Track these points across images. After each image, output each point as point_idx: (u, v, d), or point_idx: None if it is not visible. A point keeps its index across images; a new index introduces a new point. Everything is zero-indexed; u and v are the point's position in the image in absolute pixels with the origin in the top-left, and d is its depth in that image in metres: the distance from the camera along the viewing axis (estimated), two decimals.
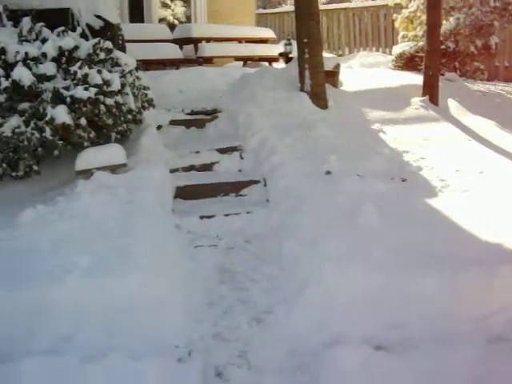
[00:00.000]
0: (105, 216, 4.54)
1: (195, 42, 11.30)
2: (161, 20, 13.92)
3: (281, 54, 11.73)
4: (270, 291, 4.20)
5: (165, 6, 14.87)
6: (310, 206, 5.05)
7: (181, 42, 11.30)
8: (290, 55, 10.80)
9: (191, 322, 3.71)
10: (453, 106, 8.89)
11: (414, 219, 4.76)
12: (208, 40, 11.52)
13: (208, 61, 11.31)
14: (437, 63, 8.99)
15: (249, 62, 12.50)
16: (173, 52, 10.76)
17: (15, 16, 5.72)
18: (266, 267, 4.62)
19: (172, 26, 13.04)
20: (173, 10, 15.92)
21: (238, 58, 12.56)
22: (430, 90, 8.89)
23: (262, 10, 19.86)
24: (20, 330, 3.35)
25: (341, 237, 4.32)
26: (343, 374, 3.13)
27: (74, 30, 6.04)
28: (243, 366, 3.33)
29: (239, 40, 12.49)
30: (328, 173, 5.89)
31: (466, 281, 3.73)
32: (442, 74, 10.44)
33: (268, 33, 13.62)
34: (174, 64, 10.80)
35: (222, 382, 3.21)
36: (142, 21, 12.48)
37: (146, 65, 7.95)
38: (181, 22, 14.62)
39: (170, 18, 15.63)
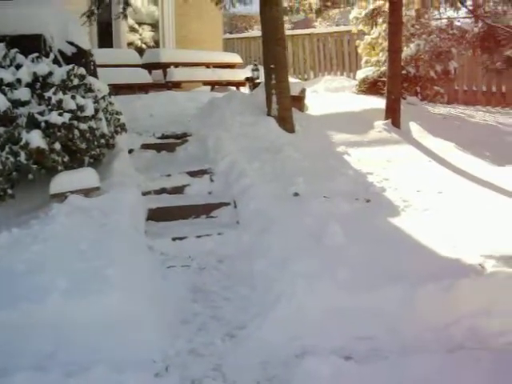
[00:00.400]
0: (79, 238, 4.66)
1: (164, 66, 11.49)
2: (129, 44, 14.04)
3: (247, 79, 12.00)
4: (243, 308, 4.37)
5: (132, 30, 14.97)
6: (280, 227, 5.25)
7: (150, 66, 11.49)
8: (257, 80, 11.06)
9: (167, 338, 3.85)
10: (414, 128, 9.25)
11: (378, 238, 4.99)
12: (176, 65, 11.73)
13: (177, 85, 11.51)
14: (398, 88, 9.37)
15: (216, 86, 12.74)
16: (142, 77, 10.95)
17: None
18: (238, 286, 4.78)
19: (140, 51, 13.21)
20: (140, 35, 16.03)
21: (205, 83, 12.80)
22: (393, 114, 9.24)
23: (228, 35, 20.21)
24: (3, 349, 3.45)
25: (309, 256, 4.52)
26: (314, 383, 3.30)
27: (47, 55, 6.17)
28: (218, 378, 3.47)
29: (207, 65, 12.73)
30: (296, 194, 6.12)
31: (427, 294, 3.97)
32: (404, 98, 10.86)
33: (235, 58, 13.91)
34: (144, 89, 10.98)
35: None
36: (110, 45, 12.61)
37: (116, 89, 8.12)
38: (149, 47, 14.72)
39: (138, 43, 15.72)
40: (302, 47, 17.51)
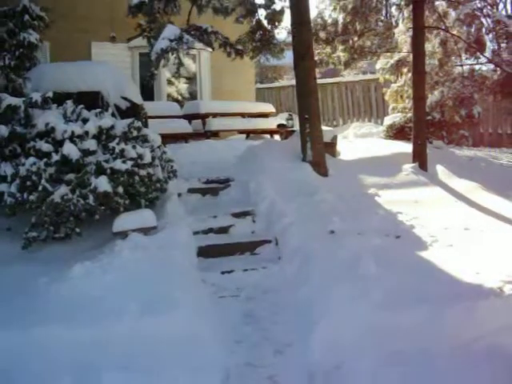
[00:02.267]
0: (143, 270, 5.32)
1: (203, 117, 12.34)
2: (167, 96, 14.98)
3: (279, 126, 12.76)
4: (289, 330, 4.95)
5: (169, 83, 15.90)
6: (318, 260, 5.84)
7: (190, 117, 12.34)
8: (291, 128, 11.79)
9: (225, 353, 4.45)
10: (440, 171, 9.79)
11: (407, 267, 5.53)
12: (214, 115, 12.56)
13: (215, 134, 12.32)
14: (424, 133, 9.97)
15: (251, 134, 13.51)
16: (183, 127, 11.78)
17: (57, 98, 6.60)
18: (283, 312, 5.36)
19: (177, 101, 14.19)
20: (176, 87, 16.99)
21: (241, 132, 13.59)
22: (419, 158, 9.82)
23: (259, 85, 21.15)
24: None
25: (346, 283, 5.10)
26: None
27: (105, 109, 6.97)
28: None
29: (242, 115, 13.53)
30: (332, 232, 6.69)
31: (452, 314, 4.51)
32: (431, 142, 11.46)
33: (268, 107, 14.71)
34: (184, 138, 11.77)
35: None
36: (152, 98, 13.58)
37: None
38: (184, 98, 15.64)
39: (175, 94, 16.65)
40: (331, 95, 18.31)
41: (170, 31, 7.41)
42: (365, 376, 3.97)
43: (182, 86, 16.85)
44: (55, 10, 8.18)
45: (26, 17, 7.35)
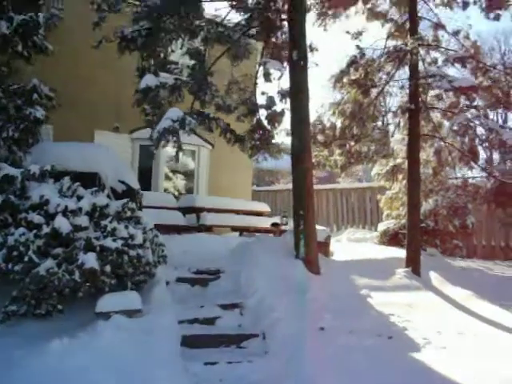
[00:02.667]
0: (123, 352, 5.12)
1: (198, 211, 12.33)
2: (164, 190, 15.07)
3: (273, 225, 12.75)
4: None
5: (167, 178, 16.05)
6: (307, 355, 5.63)
7: (184, 210, 12.33)
8: (284, 227, 11.78)
9: None
10: (434, 277, 9.69)
11: (399, 366, 5.35)
12: (209, 210, 12.56)
13: (208, 229, 12.25)
14: (418, 239, 9.98)
15: (245, 232, 13.45)
16: (177, 218, 11.74)
17: (55, 175, 6.61)
18: None
19: (173, 196, 14.29)
20: (174, 183, 17.14)
21: (234, 228, 13.53)
22: (413, 263, 9.77)
23: (256, 188, 21.39)
24: None
25: (335, 378, 4.86)
26: None
27: (102, 190, 6.95)
28: None
29: (237, 212, 13.55)
30: (322, 329, 6.50)
31: None
32: (424, 250, 11.44)
33: (263, 206, 14.77)
34: (177, 230, 11.68)
35: None
36: (149, 188, 13.65)
37: None
38: (180, 194, 15.72)
39: (171, 190, 16.78)
40: (326, 201, 18.46)
41: (174, 113, 7.56)
42: None
43: (180, 182, 17.02)
44: (61, 95, 8.37)
45: (35, 95, 7.51)
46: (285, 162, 24.01)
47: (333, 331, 6.38)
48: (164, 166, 14.59)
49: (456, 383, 4.92)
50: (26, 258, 5.65)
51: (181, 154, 13.97)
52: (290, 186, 20.01)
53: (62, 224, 5.78)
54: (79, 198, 6.28)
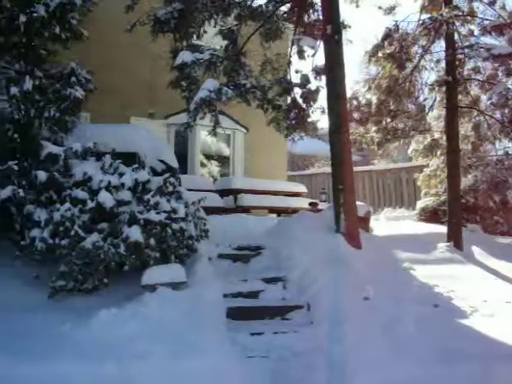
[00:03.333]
0: (170, 320, 5.16)
1: (235, 192, 12.37)
2: (200, 175, 15.13)
3: (310, 204, 12.71)
4: None
5: (202, 164, 16.13)
6: (353, 322, 5.60)
7: (222, 192, 12.38)
8: (322, 206, 11.72)
9: None
10: (476, 251, 9.56)
11: (447, 331, 5.29)
12: (246, 191, 12.58)
13: (246, 210, 12.27)
14: (459, 211, 9.82)
15: (283, 214, 13.43)
16: (215, 200, 11.78)
17: (96, 154, 6.70)
18: (314, 372, 5.06)
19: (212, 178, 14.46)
20: (209, 169, 17.22)
21: (272, 211, 13.53)
22: (454, 237, 9.64)
23: (290, 172, 21.33)
24: None
25: (383, 342, 4.85)
26: None
27: (142, 168, 6.99)
28: None
29: (274, 193, 13.52)
30: (366, 298, 6.46)
31: (497, 373, 4.20)
32: (465, 226, 11.23)
33: (300, 187, 14.73)
34: (216, 211, 11.72)
35: None
36: (185, 172, 13.74)
37: None
38: (215, 180, 15.79)
39: (207, 176, 16.86)
40: (362, 183, 18.31)
41: (210, 84, 7.57)
42: None
43: (214, 168, 17.09)
44: (96, 81, 8.43)
45: (73, 78, 7.58)
46: (318, 147, 23.97)
47: (377, 301, 6.33)
48: (199, 151, 14.65)
49: (508, 346, 4.82)
50: (72, 233, 5.75)
51: (215, 139, 14.10)
52: (324, 169, 20.08)
53: (106, 198, 5.86)
54: (121, 175, 6.35)
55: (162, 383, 3.91)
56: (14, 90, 6.75)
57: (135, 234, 5.77)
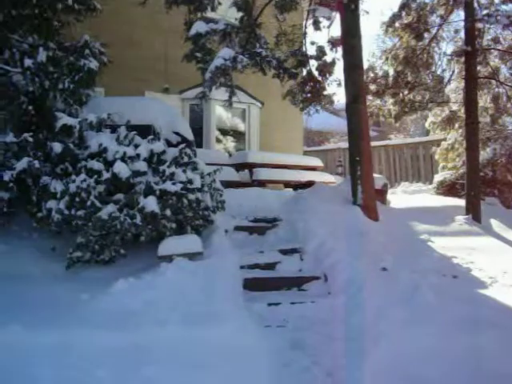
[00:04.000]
0: (186, 289, 5.16)
1: (250, 166, 12.30)
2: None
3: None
4: (340, 356, 4.61)
5: (218, 140, 16.06)
6: (371, 291, 5.54)
7: (237, 166, 12.32)
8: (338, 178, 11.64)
9: (273, 373, 4.13)
10: (495, 224, 9.43)
11: (467, 301, 5.20)
12: (262, 165, 12.50)
13: (262, 185, 12.18)
14: (477, 184, 9.68)
15: (298, 188, 13.34)
16: (231, 174, 11.71)
17: (111, 126, 6.66)
18: (333, 341, 5.01)
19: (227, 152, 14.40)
20: (224, 145, 17.16)
21: (287, 185, 13.44)
22: (473, 209, 9.50)
23: (306, 148, 21.22)
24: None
25: (402, 311, 4.78)
26: None
27: (158, 139, 6.95)
28: None
29: (290, 167, 13.43)
30: (384, 269, 6.39)
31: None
32: (483, 199, 11.08)
33: (316, 161, 14.59)
34: (231, 185, 11.67)
35: None
36: (200, 146, 13.69)
37: None
38: (231, 155, 15.74)
39: (222, 151, 16.79)
40: (378, 158, 18.14)
41: (225, 52, 7.48)
42: None
43: (230, 144, 17.03)
44: (110, 56, 8.35)
45: (87, 51, 7.53)
46: (334, 122, 23.81)
47: (396, 271, 6.26)
48: (215, 126, 14.57)
49: None
50: (89, 204, 5.73)
51: (230, 114, 14.02)
52: (340, 145, 19.93)
53: (122, 169, 5.83)
54: (136, 146, 6.31)
55: (179, 350, 3.90)
56: (28, 62, 6.74)
57: (151, 204, 5.75)
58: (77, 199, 5.76)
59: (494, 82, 11.32)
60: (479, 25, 10.13)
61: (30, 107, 6.67)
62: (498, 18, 9.23)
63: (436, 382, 3.75)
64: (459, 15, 11.25)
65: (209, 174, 6.75)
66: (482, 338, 4.21)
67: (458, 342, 4.19)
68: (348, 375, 4.13)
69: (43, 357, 3.77)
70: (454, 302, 5.10)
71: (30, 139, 6.23)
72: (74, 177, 5.89)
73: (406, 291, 5.40)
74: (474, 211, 9.50)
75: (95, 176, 5.84)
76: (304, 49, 10.60)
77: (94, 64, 7.16)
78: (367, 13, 10.04)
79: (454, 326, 4.44)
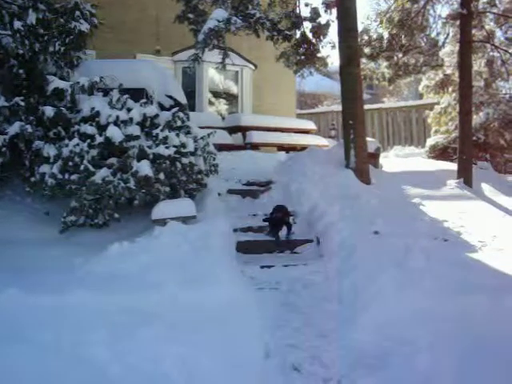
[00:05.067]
0: (181, 252, 5.19)
1: (244, 129, 12.29)
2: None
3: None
4: (331, 318, 4.69)
5: (210, 103, 15.98)
6: (363, 254, 5.60)
7: (230, 129, 12.31)
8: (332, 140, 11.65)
9: (267, 335, 4.22)
10: (486, 188, 9.49)
11: (457, 264, 5.26)
12: (255, 128, 12.49)
13: (255, 147, 12.22)
14: (470, 148, 9.71)
15: (291, 151, 13.36)
16: (224, 137, 11.70)
17: (103, 90, 6.62)
18: (324, 303, 5.10)
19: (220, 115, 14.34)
20: (217, 107, 17.07)
21: (280, 148, 13.46)
22: (464, 173, 9.55)
23: (299, 111, 21.14)
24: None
25: (393, 273, 4.84)
26: None
27: (150, 103, 6.92)
28: (316, 363, 3.82)
29: (283, 130, 13.42)
30: (376, 232, 6.45)
31: (499, 303, 4.24)
32: (475, 163, 11.14)
33: (309, 124, 14.58)
34: (224, 148, 11.66)
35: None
36: (193, 110, 13.63)
37: None
38: (223, 118, 15.69)
39: (215, 114, 16.70)
40: (371, 121, 18.13)
41: (219, 13, 7.41)
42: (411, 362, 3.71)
43: (222, 106, 16.93)
44: (102, 19, 8.21)
45: (77, 12, 7.40)
46: (327, 84, 23.67)
47: (388, 235, 6.32)
48: (207, 89, 14.47)
49: None
50: (82, 168, 5.74)
51: (223, 77, 13.90)
52: (333, 108, 19.86)
53: (115, 133, 5.82)
54: (129, 110, 6.29)
55: (174, 312, 3.95)
56: (17, 24, 6.63)
57: (145, 168, 5.76)
58: (70, 163, 5.76)
59: (488, 46, 11.28)
60: None
61: (21, 71, 6.59)
62: None
63: (425, 344, 3.83)
64: None
65: (202, 138, 6.76)
66: (472, 300, 4.28)
67: (448, 305, 4.26)
68: (339, 337, 4.21)
69: (39, 319, 3.81)
70: (445, 265, 5.16)
71: (22, 103, 6.18)
72: (67, 141, 5.88)
73: (398, 254, 5.45)
74: (465, 175, 9.55)
75: (88, 140, 5.84)
76: (298, 10, 10.50)
77: (84, 26, 7.06)
78: None
79: (444, 289, 4.50)
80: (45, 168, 5.88)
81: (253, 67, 14.92)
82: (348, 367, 3.77)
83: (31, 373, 3.26)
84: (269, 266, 6.06)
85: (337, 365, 3.81)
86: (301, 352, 4.00)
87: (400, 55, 11.22)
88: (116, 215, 6.01)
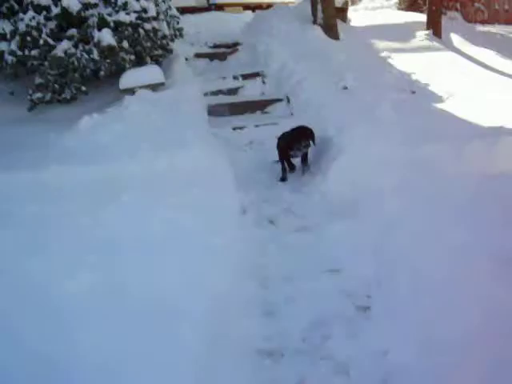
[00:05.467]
0: (152, 120, 5.20)
1: None
2: None
3: None
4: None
5: None
6: (333, 108, 5.73)
7: None
8: None
9: (241, 192, 4.39)
10: (455, 39, 9.41)
11: (425, 115, 5.44)
12: None
13: (219, 9, 11.76)
14: None
15: (257, 10, 12.88)
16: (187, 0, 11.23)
17: None
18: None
19: None
20: None
21: (247, 7, 12.95)
22: (434, 24, 9.42)
23: None
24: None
25: (363, 125, 4.97)
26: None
27: None
28: (289, 215, 4.06)
29: None
30: (345, 88, 6.51)
31: (472, 148, 4.44)
32: (445, 14, 10.95)
33: None
34: (188, 11, 11.23)
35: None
36: None
37: None
38: None
39: None
40: None
41: None
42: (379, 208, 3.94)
43: None
44: None
45: None
46: None
47: (356, 89, 6.40)
48: None
49: (485, 126, 5.02)
50: (41, 42, 5.53)
51: None
52: None
53: (71, 2, 5.54)
54: None
55: (152, 178, 4.03)
56: None
57: (107, 37, 5.59)
58: (28, 38, 5.52)
59: None
60: None
61: None
62: None
63: (392, 190, 4.03)
64: None
65: (163, 1, 6.51)
66: (436, 148, 4.46)
67: (413, 152, 4.44)
68: (311, 190, 4.41)
69: (22, 194, 3.88)
70: (412, 115, 5.30)
71: None
72: (21, 15, 5.59)
73: (367, 107, 5.56)
74: (434, 26, 9.42)
75: (44, 12, 5.56)
76: None
77: None
78: None
79: (410, 138, 4.66)
80: (2, 45, 5.64)
81: None
82: (320, 216, 3.99)
83: (19, 245, 3.37)
84: (241, 128, 6.16)
85: (309, 215, 4.01)
86: (275, 208, 4.21)
87: None
88: (83, 88, 5.90)
